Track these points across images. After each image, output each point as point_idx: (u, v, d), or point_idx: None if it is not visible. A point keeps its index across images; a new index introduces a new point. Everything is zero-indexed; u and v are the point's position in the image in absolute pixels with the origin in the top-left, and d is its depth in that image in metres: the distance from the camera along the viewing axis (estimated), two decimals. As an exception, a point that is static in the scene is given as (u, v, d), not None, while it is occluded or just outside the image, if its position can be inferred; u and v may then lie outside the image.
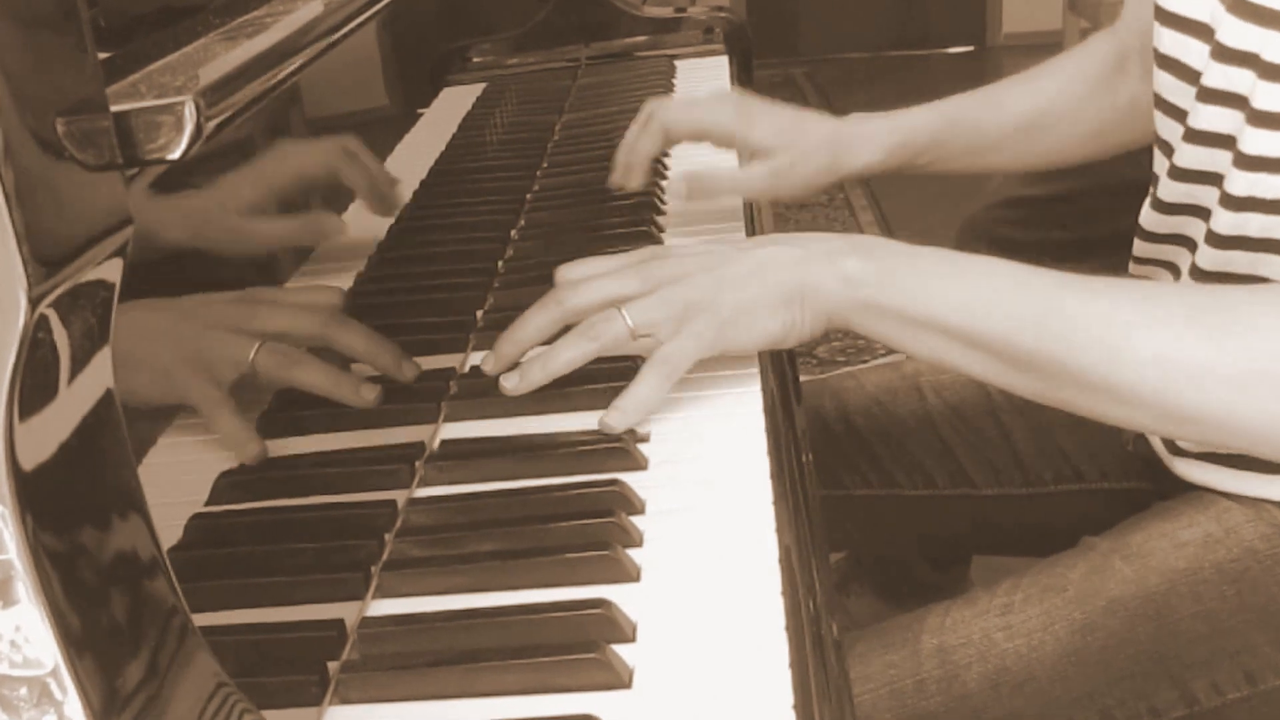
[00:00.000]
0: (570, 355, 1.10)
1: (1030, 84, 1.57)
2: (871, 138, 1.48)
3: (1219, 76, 1.18)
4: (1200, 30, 1.21)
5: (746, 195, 1.51)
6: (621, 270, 1.13)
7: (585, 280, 1.13)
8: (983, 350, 1.05)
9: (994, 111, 1.54)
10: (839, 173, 1.47)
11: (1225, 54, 1.17)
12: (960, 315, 1.05)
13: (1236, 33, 1.16)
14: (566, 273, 1.17)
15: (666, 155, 1.70)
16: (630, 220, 1.47)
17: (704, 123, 1.49)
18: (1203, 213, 1.24)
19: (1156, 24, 1.28)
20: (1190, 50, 1.23)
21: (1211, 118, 1.20)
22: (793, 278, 1.08)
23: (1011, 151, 1.56)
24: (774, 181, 1.45)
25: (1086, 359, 1.01)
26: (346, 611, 0.87)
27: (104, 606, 0.60)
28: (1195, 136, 1.23)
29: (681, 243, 1.34)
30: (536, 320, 1.13)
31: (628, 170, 1.49)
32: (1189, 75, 1.23)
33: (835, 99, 6.09)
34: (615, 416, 1.07)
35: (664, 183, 1.60)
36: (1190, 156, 1.24)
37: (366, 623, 0.87)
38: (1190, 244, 1.28)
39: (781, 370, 1.20)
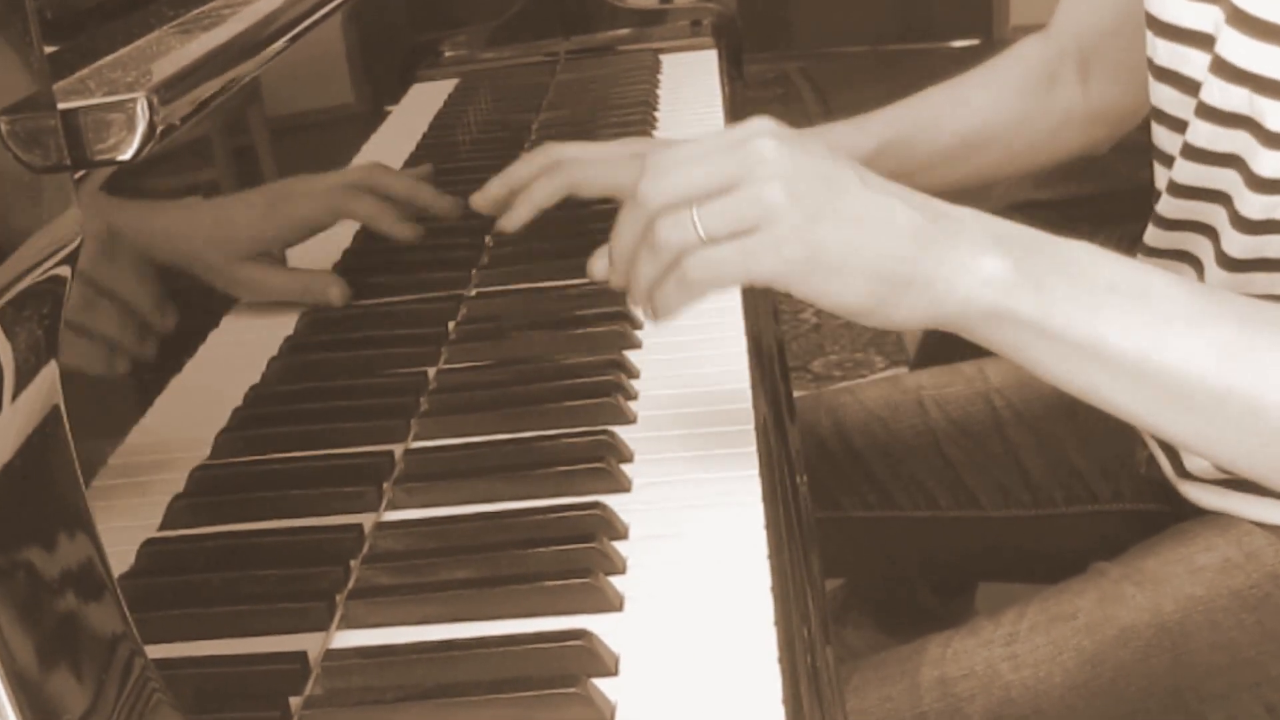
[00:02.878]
0: (648, 272, 0.99)
1: (960, 100, 1.55)
2: None
3: (1219, 94, 1.18)
4: (1200, 41, 1.21)
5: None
6: (716, 153, 0.97)
7: (670, 168, 0.99)
8: (1147, 384, 0.95)
9: (926, 133, 1.52)
10: None
11: (1225, 70, 1.17)
12: (1129, 341, 0.94)
13: (1237, 48, 1.15)
14: (655, 157, 1.00)
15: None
16: (610, 225, 1.46)
17: (615, 181, 1.33)
18: (1209, 231, 1.25)
19: (1150, 34, 1.28)
20: (1190, 62, 1.23)
21: (1213, 136, 1.20)
22: (904, 255, 0.95)
23: (941, 173, 1.52)
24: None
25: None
26: (310, 643, 0.87)
27: (49, 638, 0.60)
28: (1196, 154, 1.23)
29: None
30: (623, 232, 1.02)
31: (509, 210, 1.36)
32: (1189, 88, 1.23)
33: (832, 96, 6.10)
34: (648, 311, 1.01)
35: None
36: (1191, 173, 1.24)
37: (331, 655, 0.87)
38: (1195, 261, 1.28)
39: (774, 385, 1.20)
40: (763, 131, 0.97)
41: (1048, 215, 2.62)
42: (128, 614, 0.65)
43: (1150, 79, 1.30)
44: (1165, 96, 1.28)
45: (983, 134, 1.53)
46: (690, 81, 2.06)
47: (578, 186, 1.35)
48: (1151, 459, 1.41)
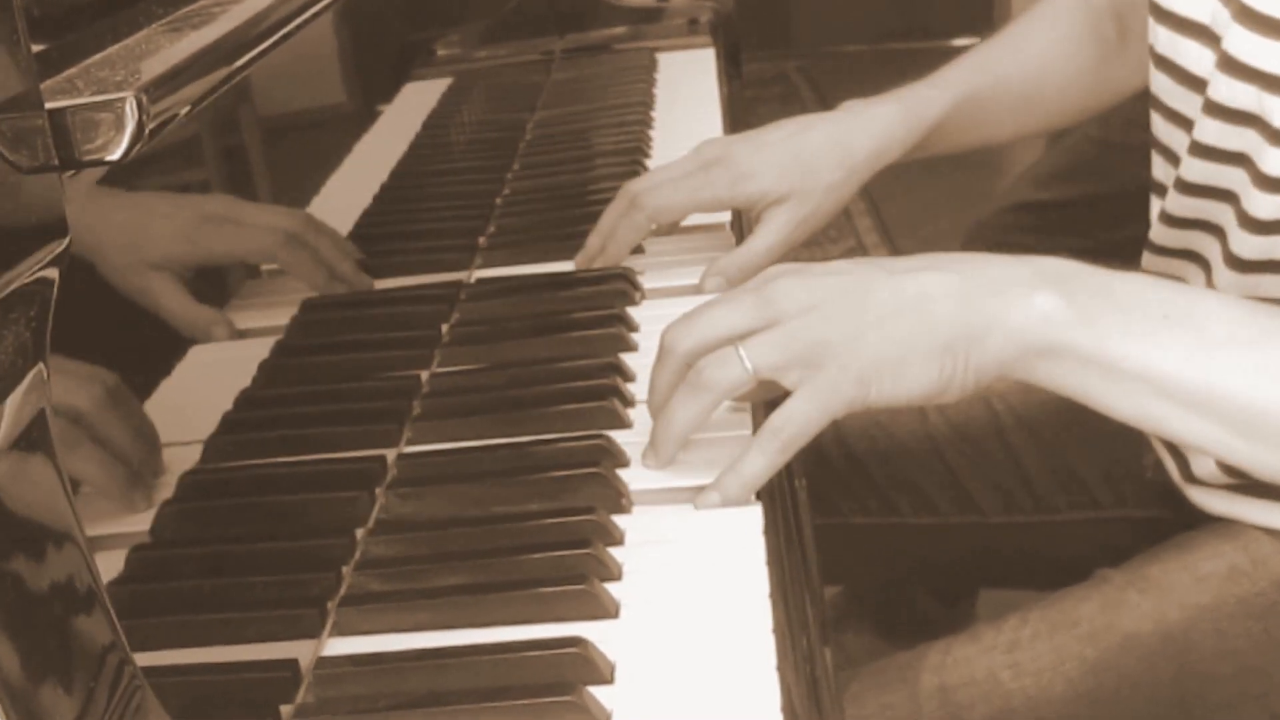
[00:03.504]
0: (685, 415, 1.02)
1: (1016, 50, 1.56)
2: (884, 135, 1.42)
3: (1225, 90, 1.18)
4: (1201, 33, 1.21)
5: (783, 254, 1.38)
6: (739, 298, 1.02)
7: (694, 316, 1.03)
8: (1214, 415, 0.96)
9: (992, 81, 1.52)
10: (860, 184, 1.42)
11: (1232, 67, 1.17)
12: (1191, 370, 0.95)
13: (1244, 44, 1.15)
14: (678, 324, 1.05)
15: (647, 158, 1.70)
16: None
17: (696, 203, 1.40)
18: (1217, 231, 1.24)
19: (1151, 20, 1.28)
20: (1189, 54, 1.23)
21: (1222, 133, 1.20)
22: (957, 318, 0.97)
23: (1013, 121, 1.55)
24: (801, 230, 1.39)
25: None
26: (301, 651, 0.87)
27: (36, 646, 0.60)
28: (1204, 151, 1.22)
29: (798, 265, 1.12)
30: (659, 382, 1.05)
31: (608, 259, 1.41)
32: (1193, 83, 1.23)
33: (832, 95, 6.09)
34: (713, 498, 1.00)
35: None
36: (1199, 171, 1.24)
37: (323, 663, 0.87)
38: (1203, 262, 1.28)
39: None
40: (778, 274, 1.02)
41: (1048, 215, 2.62)
42: (116, 621, 0.65)
43: (1150, 67, 1.30)
44: (1163, 86, 1.28)
45: (1045, 86, 1.54)
46: (687, 81, 2.06)
47: (658, 215, 1.40)
48: (1158, 463, 1.41)
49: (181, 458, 0.99)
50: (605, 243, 1.40)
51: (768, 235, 1.38)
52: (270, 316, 1.16)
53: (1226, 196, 1.22)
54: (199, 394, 1.03)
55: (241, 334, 1.09)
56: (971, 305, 0.97)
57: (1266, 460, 0.98)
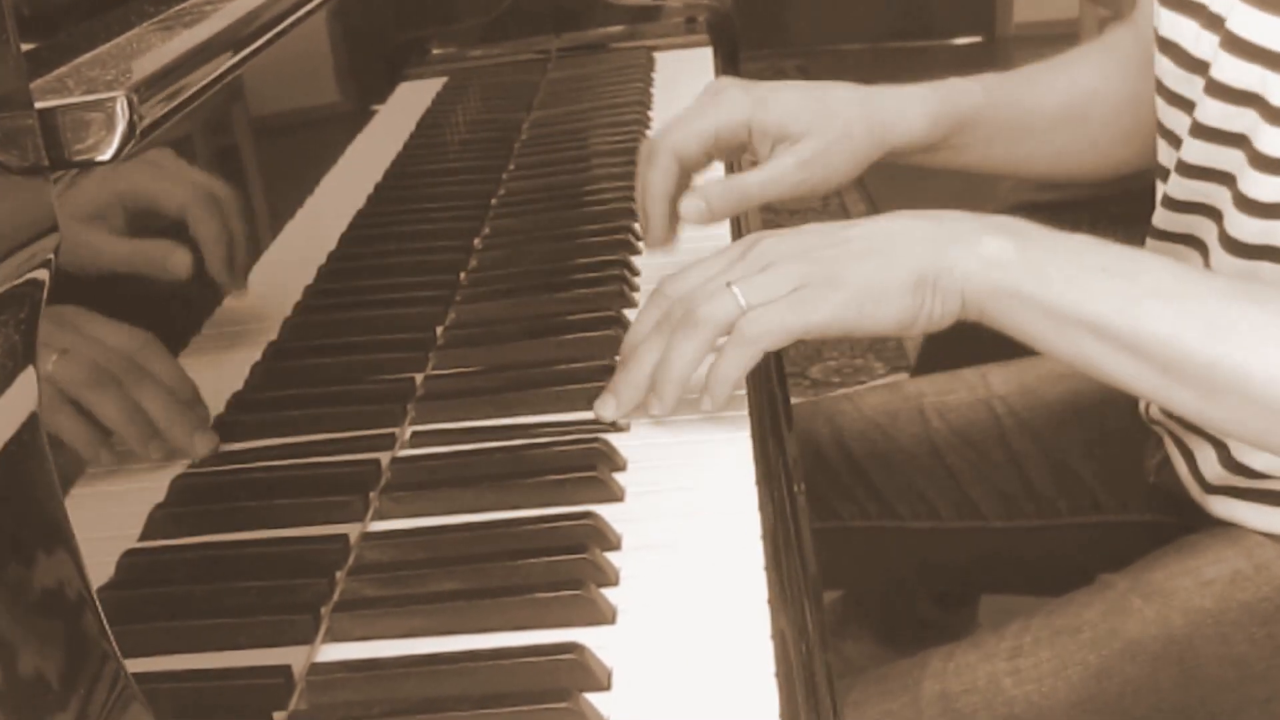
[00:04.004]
0: (683, 353, 1.08)
1: (1064, 70, 1.51)
2: (912, 106, 1.38)
3: (1230, 70, 1.18)
4: (1200, 13, 1.22)
5: (776, 196, 1.33)
6: (728, 253, 1.11)
7: (688, 267, 1.11)
8: (1140, 357, 1.03)
9: (1034, 90, 1.48)
10: (878, 150, 1.36)
11: (1236, 45, 1.17)
12: (1121, 316, 1.03)
13: (1249, 22, 1.16)
14: (670, 275, 1.13)
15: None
16: (605, 227, 1.47)
17: (716, 124, 1.33)
18: (1215, 214, 1.24)
19: (1155, 2, 1.29)
20: (1186, 34, 1.24)
21: (1224, 115, 1.20)
22: (926, 255, 1.06)
23: (1051, 143, 1.50)
24: (805, 173, 1.32)
25: (1267, 372, 1.00)
26: (294, 657, 0.87)
27: (27, 652, 0.60)
28: (1204, 132, 1.23)
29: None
30: (644, 319, 1.12)
31: (656, 222, 1.32)
32: (1195, 65, 1.24)
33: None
34: (706, 404, 1.09)
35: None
36: (1199, 152, 1.24)
37: (316, 669, 0.87)
38: (1201, 246, 1.28)
39: (771, 392, 1.20)
40: (760, 236, 1.10)
41: (1050, 217, 2.63)
42: (107, 627, 0.65)
43: (1155, 50, 1.30)
44: (1166, 69, 1.28)
45: (1087, 106, 1.49)
46: (685, 80, 2.06)
47: (681, 153, 1.32)
48: (1161, 466, 1.41)
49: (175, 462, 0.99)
50: (650, 205, 1.32)
51: (766, 170, 1.32)
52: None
53: (1224, 179, 1.22)
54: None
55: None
56: (938, 246, 1.07)
57: (1183, 398, 1.05)
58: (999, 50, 6.90)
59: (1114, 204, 2.32)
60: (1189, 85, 1.25)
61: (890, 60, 6.80)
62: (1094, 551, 1.49)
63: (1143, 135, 1.44)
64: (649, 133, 1.82)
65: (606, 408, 1.12)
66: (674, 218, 1.32)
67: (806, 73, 6.56)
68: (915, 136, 1.38)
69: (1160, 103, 1.32)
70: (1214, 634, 1.23)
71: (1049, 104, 1.48)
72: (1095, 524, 1.54)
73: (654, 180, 1.32)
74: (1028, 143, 1.48)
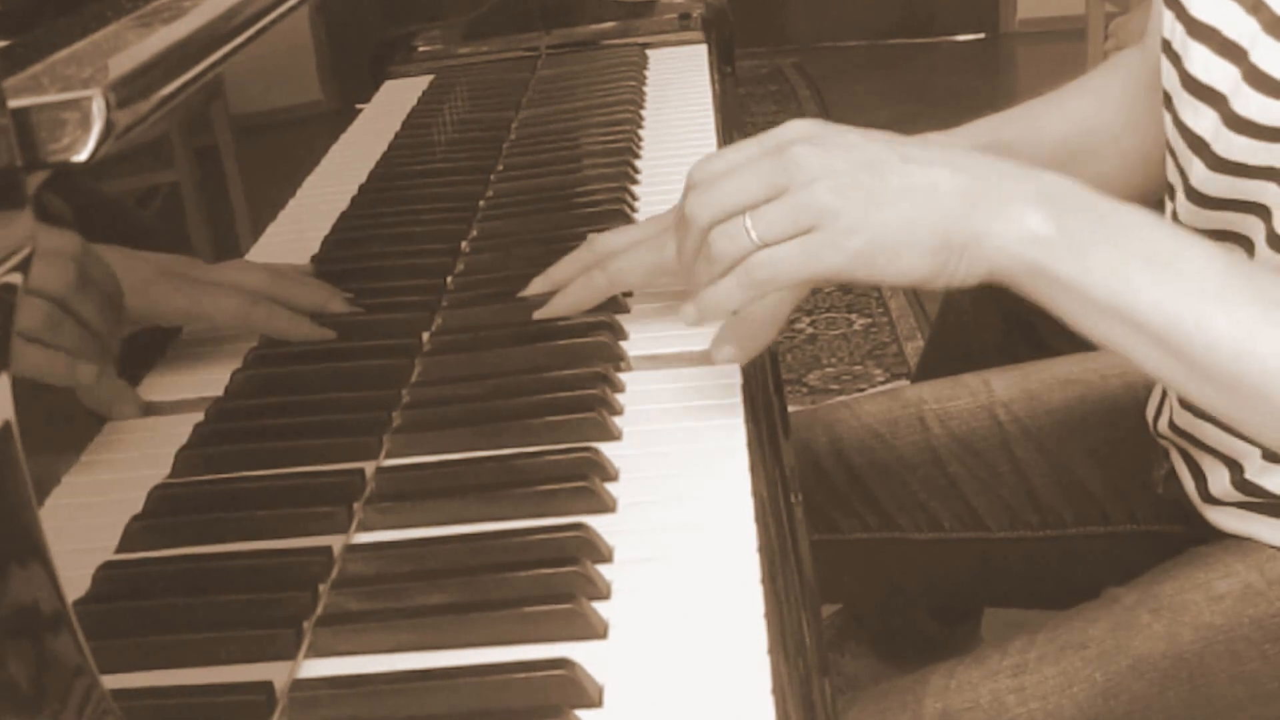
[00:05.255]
0: (714, 288, 1.07)
1: (1060, 106, 1.51)
2: None
3: (1258, 109, 1.17)
4: (1226, 46, 1.21)
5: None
6: (756, 165, 1.06)
7: (713, 182, 1.07)
8: (1171, 351, 1.02)
9: (1029, 132, 1.48)
10: None
11: (1263, 82, 1.16)
12: (1157, 310, 1.01)
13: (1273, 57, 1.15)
14: (696, 172, 1.09)
15: (637, 158, 1.70)
16: (594, 230, 1.47)
17: (660, 265, 1.29)
18: (1260, 210, 1.23)
19: (1167, 14, 1.27)
20: (1226, 17, 1.22)
21: (1243, 149, 1.19)
22: (957, 218, 1.03)
23: None
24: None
25: None
26: (276, 672, 0.87)
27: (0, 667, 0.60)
28: (1222, 164, 1.21)
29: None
30: (684, 251, 1.10)
31: (548, 304, 1.32)
32: (1232, 51, 1.22)
33: (829, 93, 6.11)
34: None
35: (635, 188, 1.60)
36: (1219, 184, 1.23)
37: (298, 685, 0.87)
38: (1245, 241, 1.26)
39: (767, 399, 1.20)
40: (796, 137, 1.05)
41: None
42: (84, 642, 0.65)
43: (1187, 38, 1.28)
44: (1197, 57, 1.25)
45: (1089, 140, 1.48)
46: (679, 78, 2.07)
47: (620, 277, 1.31)
48: (1169, 477, 1.41)
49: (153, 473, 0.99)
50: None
51: None
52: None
53: (1256, 209, 1.21)
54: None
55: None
56: (974, 208, 1.03)
57: (1209, 395, 1.05)
58: (1002, 47, 6.91)
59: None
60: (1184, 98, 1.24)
61: (890, 57, 6.81)
62: (1100, 563, 1.49)
63: (1154, 162, 1.43)
64: (641, 131, 1.82)
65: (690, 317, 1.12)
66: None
67: (804, 70, 6.57)
68: None
69: (1167, 116, 1.30)
70: (1224, 651, 1.23)
71: (1045, 144, 1.47)
72: (1102, 535, 1.54)
73: (576, 292, 1.31)
74: None
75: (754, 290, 1.05)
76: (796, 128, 1.07)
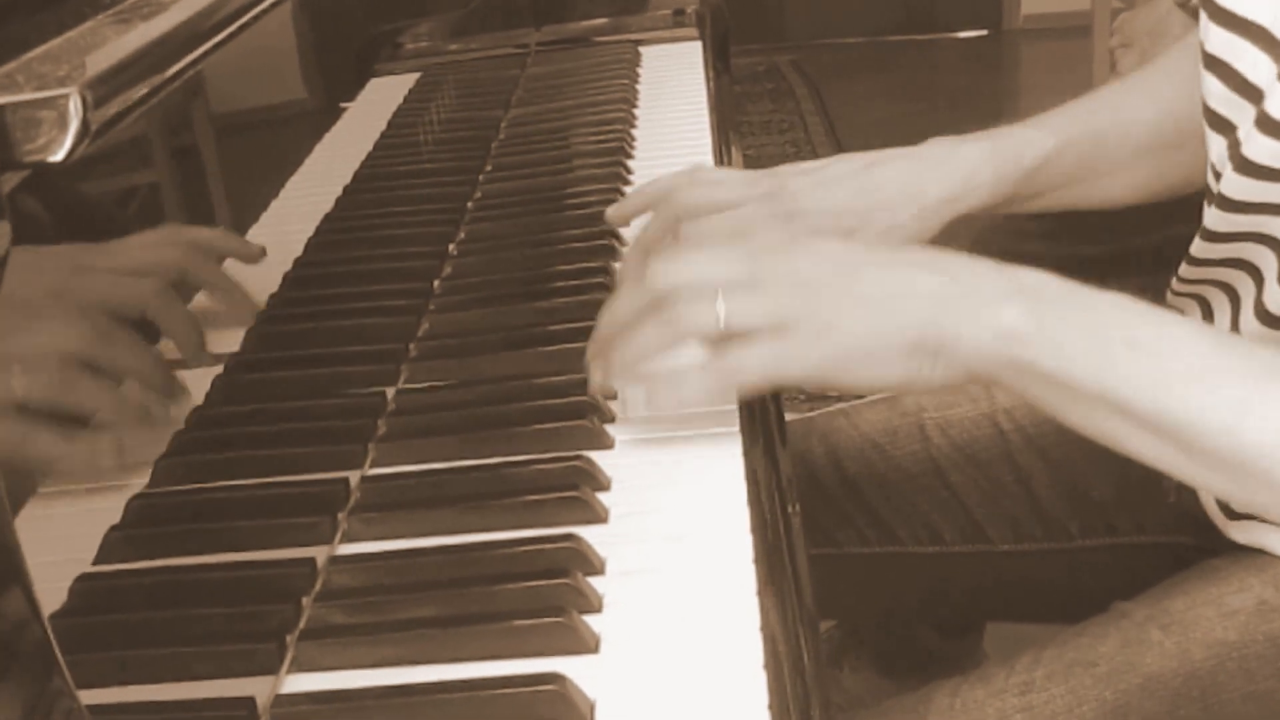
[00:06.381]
0: (646, 339, 1.08)
1: (1151, 92, 1.46)
2: (965, 176, 1.35)
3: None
4: (1260, 36, 1.19)
5: None
6: (728, 251, 1.09)
7: (685, 251, 1.10)
8: (1163, 437, 1.02)
9: (1118, 126, 1.43)
10: (932, 230, 1.35)
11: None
12: (1144, 397, 1.01)
13: None
14: (663, 261, 1.10)
15: (629, 158, 1.71)
16: (588, 232, 1.47)
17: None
18: (1273, 242, 1.23)
19: (1203, 15, 1.26)
20: (1244, 57, 1.20)
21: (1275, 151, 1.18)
22: (930, 319, 1.03)
23: (1136, 173, 1.45)
24: None
25: None
26: (258, 688, 0.87)
27: (-26, 682, 0.60)
28: (1253, 169, 1.20)
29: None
30: (622, 303, 1.11)
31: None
32: (1250, 91, 1.21)
33: (827, 91, 6.11)
34: (637, 393, 1.11)
35: (627, 189, 1.60)
36: (1244, 188, 1.22)
37: (281, 700, 0.87)
38: (1254, 271, 1.26)
39: (764, 408, 1.20)
40: (768, 222, 1.13)
41: (1060, 221, 2.63)
42: (60, 656, 0.66)
43: (1200, 67, 1.27)
44: (1213, 89, 1.25)
45: (1179, 129, 1.42)
46: (672, 76, 2.07)
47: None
48: (1184, 489, 1.40)
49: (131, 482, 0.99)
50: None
51: None
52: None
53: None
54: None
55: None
56: (946, 310, 1.03)
57: (1209, 479, 1.06)
58: (1005, 44, 6.91)
59: (1132, 208, 2.33)
60: (1237, 109, 1.22)
61: (891, 54, 6.81)
62: (1108, 577, 1.49)
63: None
64: (634, 131, 1.82)
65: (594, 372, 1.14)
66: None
67: (802, 68, 6.57)
68: (975, 204, 1.36)
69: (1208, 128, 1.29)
70: (1237, 668, 1.23)
71: (1134, 134, 1.43)
72: (1109, 547, 1.54)
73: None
74: (1109, 179, 1.45)
75: (723, 384, 1.07)
76: (767, 212, 1.16)
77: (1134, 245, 2.37)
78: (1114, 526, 1.54)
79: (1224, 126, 1.23)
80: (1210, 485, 1.08)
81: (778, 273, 1.06)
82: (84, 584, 0.92)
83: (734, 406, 1.15)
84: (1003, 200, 1.37)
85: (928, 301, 1.03)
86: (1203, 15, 1.25)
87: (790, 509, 1.10)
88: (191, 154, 1.19)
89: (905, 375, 1.04)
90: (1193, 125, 1.37)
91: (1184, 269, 1.35)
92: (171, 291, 1.13)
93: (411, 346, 1.29)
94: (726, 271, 1.06)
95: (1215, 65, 1.23)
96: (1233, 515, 1.32)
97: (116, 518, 0.98)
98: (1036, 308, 1.02)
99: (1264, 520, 1.29)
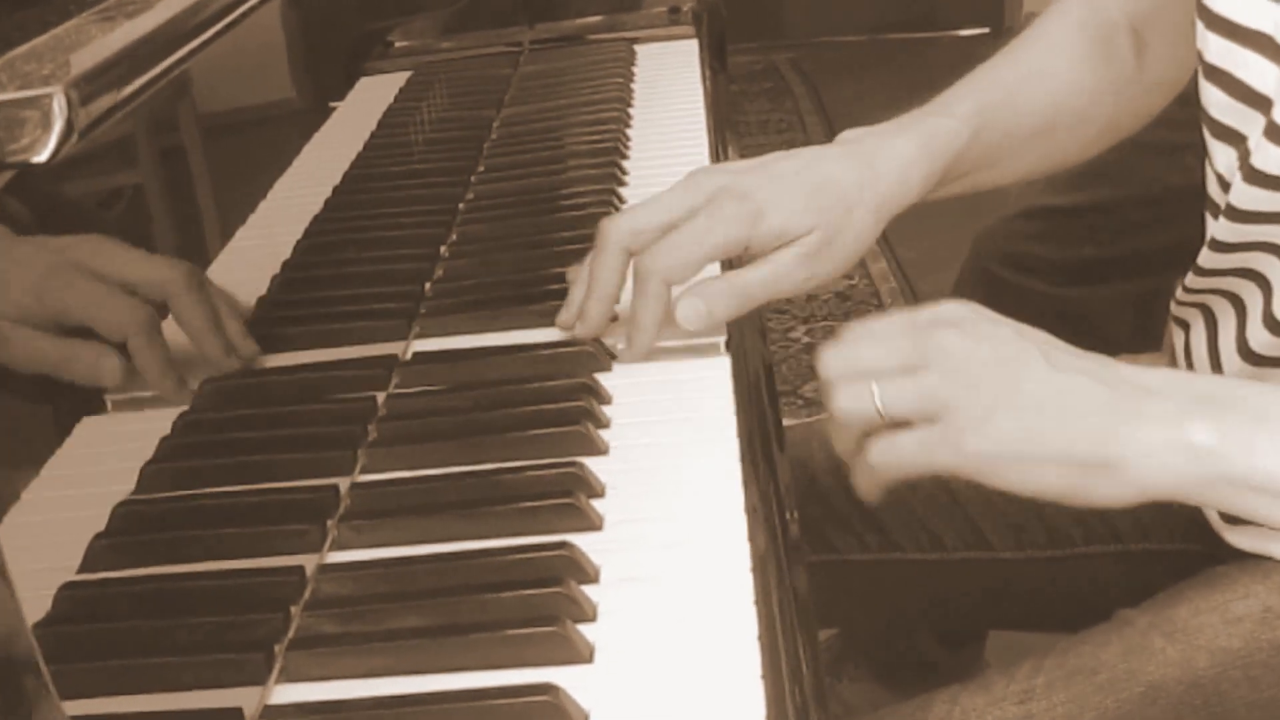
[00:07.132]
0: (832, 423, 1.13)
1: (1035, 74, 1.48)
2: (909, 171, 1.33)
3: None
4: (1263, 44, 1.20)
5: (780, 294, 1.29)
6: (897, 339, 1.09)
7: (851, 344, 1.11)
8: None
9: (1014, 109, 1.45)
10: (880, 226, 1.32)
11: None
12: None
13: None
14: (833, 347, 1.13)
15: (624, 158, 1.71)
16: (582, 234, 1.47)
17: (711, 252, 1.25)
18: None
19: (1200, 24, 1.27)
20: (1247, 66, 1.21)
21: None
22: (1101, 437, 1.02)
23: (1032, 151, 1.48)
24: (810, 269, 1.27)
25: None
26: (246, 699, 0.87)
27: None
28: (1262, 179, 1.21)
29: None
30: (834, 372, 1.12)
31: (596, 319, 1.27)
32: (1256, 100, 1.22)
33: (826, 91, 6.11)
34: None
35: (623, 190, 1.60)
36: (1252, 197, 1.22)
37: (270, 712, 0.87)
38: (1262, 281, 1.27)
39: (761, 412, 1.20)
40: (948, 320, 1.07)
41: (1063, 222, 2.63)
42: (44, 666, 0.66)
43: (1200, 76, 1.28)
44: (1215, 99, 1.26)
45: (1062, 110, 1.47)
46: (668, 75, 2.07)
47: (671, 276, 1.25)
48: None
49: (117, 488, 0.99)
50: (631, 332, 1.26)
51: (768, 267, 1.26)
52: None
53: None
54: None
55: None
56: (1116, 427, 1.02)
57: None
58: (1007, 42, 6.90)
59: (1134, 210, 2.34)
60: (1246, 120, 1.23)
61: (890, 52, 6.80)
62: (1111, 584, 1.49)
63: (1118, 119, 1.50)
64: (629, 131, 1.82)
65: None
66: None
67: (800, 66, 6.56)
68: (911, 199, 1.35)
69: (1209, 137, 1.29)
70: (1242, 677, 1.23)
71: (1027, 122, 1.46)
72: (1112, 554, 1.54)
73: (645, 315, 1.24)
74: (1008, 164, 1.47)
75: (872, 469, 1.10)
76: (951, 310, 1.09)
77: (1134, 247, 2.37)
78: (1118, 534, 1.53)
79: (1232, 137, 1.24)
80: None
81: (941, 359, 1.06)
82: (68, 592, 0.92)
83: (731, 410, 1.15)
84: (928, 191, 1.36)
85: (1096, 416, 1.03)
86: (1199, 24, 1.25)
87: (788, 515, 1.10)
88: (178, 154, 1.18)
89: (1058, 485, 1.04)
90: (1077, 103, 1.46)
91: (1190, 279, 1.35)
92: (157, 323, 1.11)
93: (404, 352, 1.29)
94: (890, 358, 1.08)
95: (1216, 75, 1.24)
96: (1233, 521, 1.32)
97: (101, 525, 0.98)
98: (1218, 417, 1.02)
99: (1266, 526, 1.29)
